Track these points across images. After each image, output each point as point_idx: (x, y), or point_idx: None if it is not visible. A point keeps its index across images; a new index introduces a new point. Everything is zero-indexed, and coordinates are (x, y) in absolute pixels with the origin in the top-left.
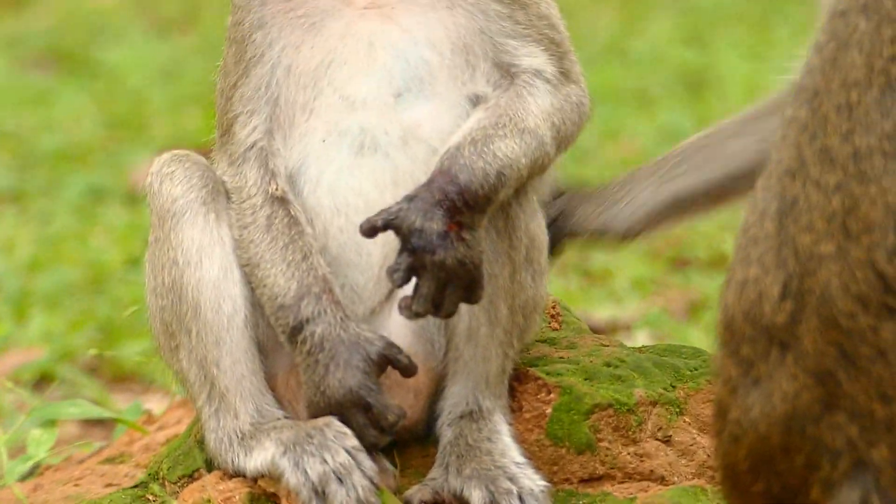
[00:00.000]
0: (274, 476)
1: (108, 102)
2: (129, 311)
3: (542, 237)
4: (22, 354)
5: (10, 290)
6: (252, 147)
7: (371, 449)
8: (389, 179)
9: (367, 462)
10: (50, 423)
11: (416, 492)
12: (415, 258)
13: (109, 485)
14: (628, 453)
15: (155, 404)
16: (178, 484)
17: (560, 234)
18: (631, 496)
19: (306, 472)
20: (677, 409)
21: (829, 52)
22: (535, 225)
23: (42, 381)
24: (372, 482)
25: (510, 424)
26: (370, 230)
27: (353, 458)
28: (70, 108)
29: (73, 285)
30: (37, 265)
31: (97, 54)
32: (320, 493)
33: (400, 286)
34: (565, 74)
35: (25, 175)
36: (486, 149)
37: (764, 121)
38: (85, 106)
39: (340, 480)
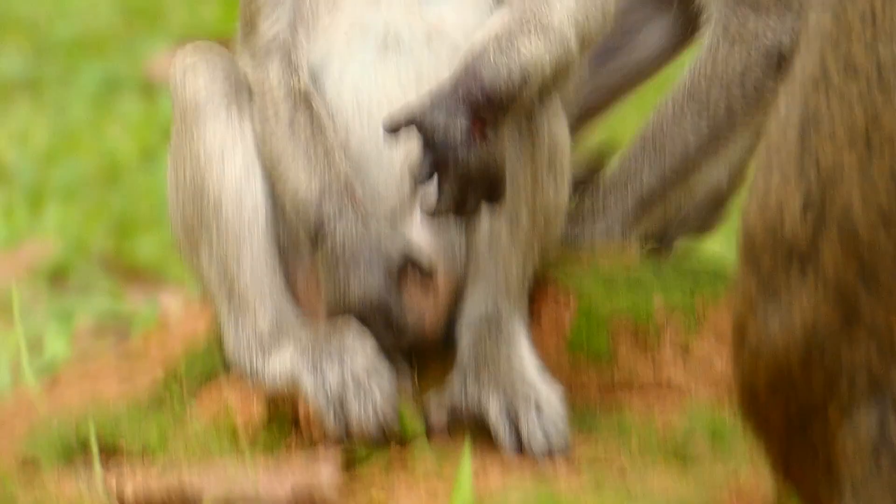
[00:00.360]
0: (292, 378)
1: None
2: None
3: (565, 139)
4: (37, 247)
5: (25, 182)
6: (274, 39)
7: (390, 351)
8: (413, 76)
9: (385, 367)
10: (66, 318)
11: (433, 397)
12: (437, 155)
13: (127, 383)
14: (646, 362)
15: (170, 300)
16: (197, 384)
17: None
18: (648, 406)
19: (324, 378)
20: (696, 318)
21: None
22: (559, 127)
23: (57, 274)
24: (390, 390)
25: (528, 329)
26: (392, 126)
27: (372, 362)
28: None
29: (88, 177)
30: (52, 156)
31: None
32: (338, 402)
33: (422, 183)
34: None
35: (40, 63)
36: (510, 48)
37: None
38: None
39: (358, 388)
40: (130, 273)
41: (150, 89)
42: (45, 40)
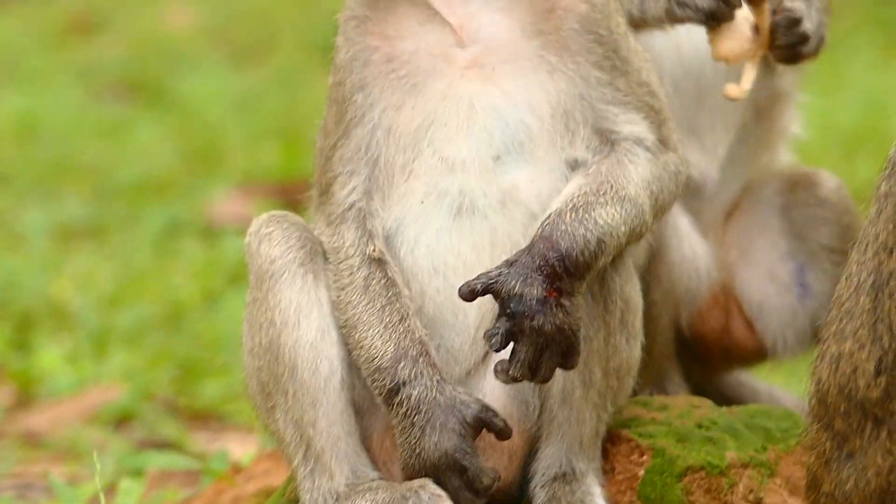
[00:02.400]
0: None
1: (185, 134)
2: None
3: (637, 300)
4: (102, 392)
5: (90, 327)
6: (351, 208)
7: None
8: (487, 241)
9: None
10: (138, 471)
11: None
12: (513, 323)
13: None
14: None
15: (235, 445)
16: None
17: None
18: None
19: None
20: (768, 472)
21: None
22: (630, 288)
23: (123, 419)
24: None
25: (603, 486)
26: (469, 293)
27: None
28: (146, 140)
29: (151, 321)
30: (115, 301)
31: (172, 84)
32: None
33: (497, 351)
34: (664, 142)
35: (103, 208)
36: (587, 216)
37: None
38: (161, 137)
39: None
40: (194, 417)
41: (211, 233)
42: (107, 185)
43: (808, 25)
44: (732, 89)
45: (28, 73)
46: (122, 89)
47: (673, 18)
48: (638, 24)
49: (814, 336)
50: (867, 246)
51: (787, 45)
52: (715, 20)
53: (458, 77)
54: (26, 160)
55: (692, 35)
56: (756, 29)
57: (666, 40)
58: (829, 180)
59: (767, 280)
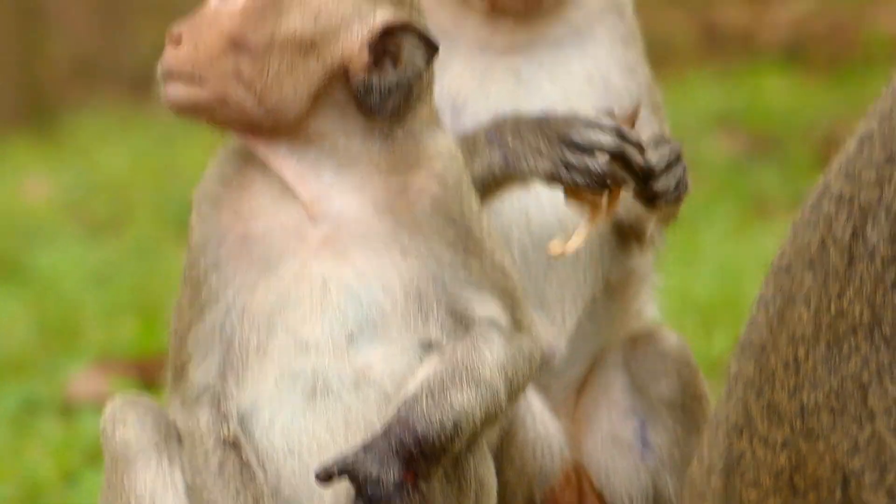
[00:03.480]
0: None
1: (41, 309)
2: None
3: (491, 481)
4: None
5: None
6: (205, 390)
7: None
8: (342, 422)
9: None
10: None
11: None
12: None
13: None
14: None
15: None
16: None
17: None
18: None
19: None
20: None
21: (775, 308)
22: (484, 469)
23: None
24: None
25: None
26: (325, 476)
27: None
28: (2, 316)
29: (6, 501)
30: None
31: (28, 258)
32: None
33: None
34: (518, 324)
35: None
36: (443, 400)
37: None
38: (17, 312)
39: None
40: None
41: (69, 410)
42: None
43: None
44: (556, 246)
45: None
46: None
47: (552, 180)
48: (500, 182)
49: (656, 496)
50: (717, 426)
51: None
52: (605, 186)
53: (312, 256)
54: None
55: (542, 203)
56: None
57: (514, 209)
58: (669, 336)
59: (611, 443)
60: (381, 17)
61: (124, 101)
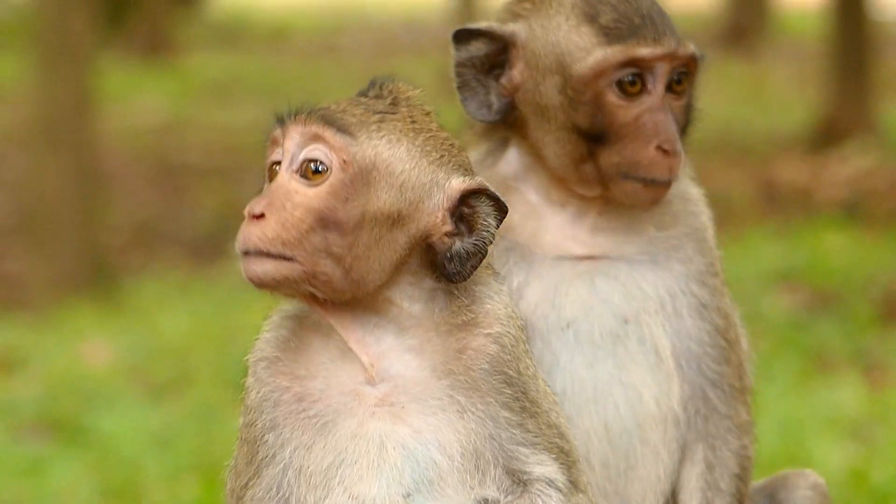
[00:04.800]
0: None
1: (103, 471)
2: None
3: None
4: None
5: None
6: None
7: None
8: None
9: None
10: None
11: None
12: None
13: None
14: None
15: None
16: None
17: None
18: None
19: None
20: None
21: None
22: None
23: None
24: None
25: None
26: None
27: None
28: (64, 479)
29: None
30: None
31: (90, 421)
32: None
33: None
34: (574, 484)
35: None
36: None
37: None
38: (79, 476)
39: None
40: None
41: None
42: None
43: None
44: None
45: None
46: (41, 427)
47: None
48: None
49: None
50: None
51: None
52: None
53: (369, 415)
54: None
55: (620, 412)
56: None
57: (593, 419)
58: (813, 474)
59: None
60: (457, 184)
61: (184, 265)
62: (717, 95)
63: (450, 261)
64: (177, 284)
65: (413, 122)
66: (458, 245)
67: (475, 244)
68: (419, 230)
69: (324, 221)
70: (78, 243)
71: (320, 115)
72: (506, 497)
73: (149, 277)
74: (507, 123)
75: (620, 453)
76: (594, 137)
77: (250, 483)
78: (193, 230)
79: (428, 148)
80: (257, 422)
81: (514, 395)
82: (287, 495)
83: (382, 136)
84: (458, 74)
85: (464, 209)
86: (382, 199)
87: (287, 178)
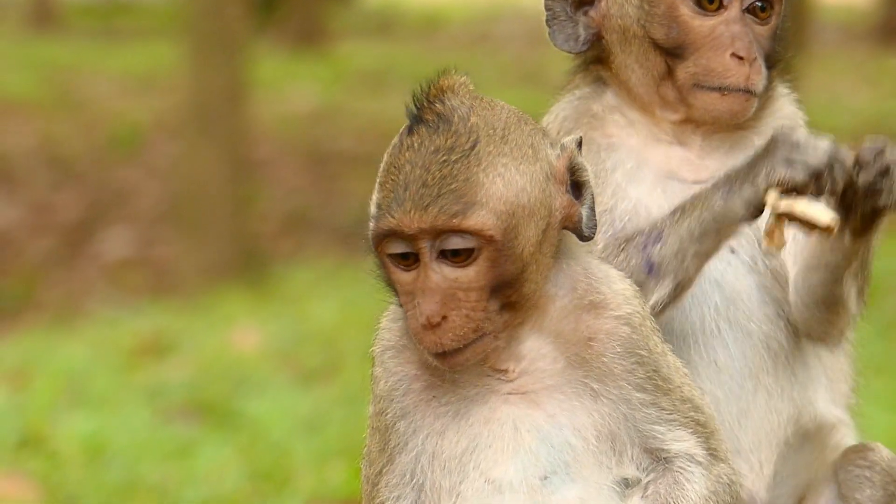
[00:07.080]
0: None
1: (252, 454)
2: None
3: None
4: None
5: None
6: None
7: None
8: None
9: None
10: None
11: None
12: None
13: None
14: None
15: None
16: None
17: None
18: None
19: None
20: None
21: None
22: None
23: None
24: None
25: None
26: None
27: None
28: (213, 461)
29: None
30: None
31: (239, 406)
32: None
33: None
34: (714, 455)
35: None
36: None
37: None
38: (228, 458)
39: None
40: None
41: None
42: None
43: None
44: (768, 241)
45: (97, 395)
46: (190, 410)
47: (770, 181)
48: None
49: None
50: None
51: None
52: (819, 183)
53: (501, 402)
54: (94, 481)
55: (730, 352)
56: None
57: (703, 359)
58: (882, 450)
59: None
60: (559, 164)
61: (334, 253)
62: (871, 90)
63: (585, 226)
64: (326, 272)
65: (492, 130)
66: (582, 210)
67: (591, 199)
68: (559, 223)
69: (496, 287)
70: (229, 230)
71: (436, 208)
72: (647, 475)
73: (299, 264)
74: (595, 59)
75: (733, 398)
76: (671, 52)
77: (384, 470)
78: (344, 218)
79: (523, 149)
80: (388, 411)
81: (647, 374)
82: (421, 481)
83: (494, 179)
84: (548, 8)
85: (570, 178)
86: (531, 231)
87: (436, 269)
